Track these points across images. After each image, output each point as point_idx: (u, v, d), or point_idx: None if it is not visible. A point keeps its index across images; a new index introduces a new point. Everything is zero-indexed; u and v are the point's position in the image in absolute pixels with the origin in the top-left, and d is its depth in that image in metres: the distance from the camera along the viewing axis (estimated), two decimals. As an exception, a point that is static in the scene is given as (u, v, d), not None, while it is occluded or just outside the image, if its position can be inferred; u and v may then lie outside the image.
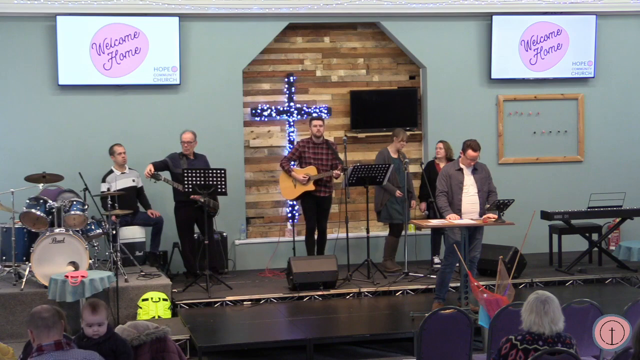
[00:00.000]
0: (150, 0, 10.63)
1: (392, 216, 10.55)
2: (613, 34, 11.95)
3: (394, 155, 10.54)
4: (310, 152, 10.33)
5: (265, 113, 11.34)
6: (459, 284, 9.08)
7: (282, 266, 10.52)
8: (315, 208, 10.40)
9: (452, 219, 8.61)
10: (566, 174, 11.95)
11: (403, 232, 10.64)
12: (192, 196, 9.69)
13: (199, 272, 9.85)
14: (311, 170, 10.28)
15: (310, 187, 10.27)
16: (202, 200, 9.61)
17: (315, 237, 10.51)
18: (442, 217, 8.76)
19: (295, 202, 11.20)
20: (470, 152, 8.68)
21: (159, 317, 8.96)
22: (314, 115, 11.09)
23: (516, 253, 9.79)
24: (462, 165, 8.79)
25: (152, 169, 9.79)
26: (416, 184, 11.25)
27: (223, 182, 9.63)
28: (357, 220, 11.47)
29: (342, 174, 10.28)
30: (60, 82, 10.56)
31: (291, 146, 11.25)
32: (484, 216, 8.79)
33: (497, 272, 7.48)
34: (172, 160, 10.04)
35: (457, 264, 9.07)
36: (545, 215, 10.67)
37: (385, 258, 10.75)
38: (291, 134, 11.40)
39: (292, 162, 10.43)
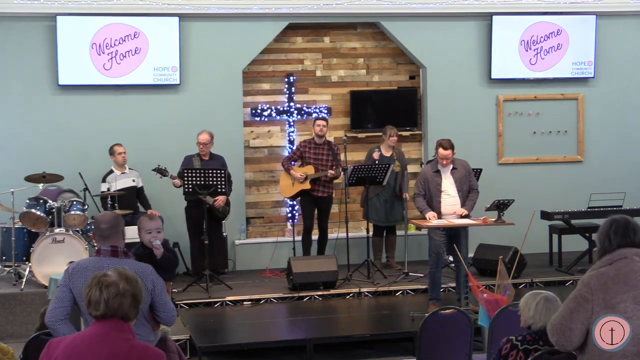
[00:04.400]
0: (150, 0, 10.63)
1: (369, 216, 10.53)
2: (613, 34, 11.95)
3: (387, 154, 10.53)
4: (311, 152, 10.34)
5: (265, 113, 11.34)
6: (454, 284, 9.09)
7: (282, 266, 10.52)
8: (313, 207, 10.41)
9: (430, 218, 8.59)
10: (566, 174, 11.94)
11: (402, 232, 10.65)
12: (214, 199, 9.76)
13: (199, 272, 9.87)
14: (309, 170, 10.29)
15: (307, 185, 10.28)
16: (211, 202, 9.67)
17: (316, 237, 10.52)
18: (423, 217, 8.74)
19: (295, 202, 11.21)
20: (440, 150, 8.62)
21: (159, 317, 8.95)
22: (318, 115, 11.08)
23: (516, 253, 9.79)
24: (439, 167, 8.75)
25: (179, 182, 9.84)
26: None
27: (222, 182, 9.64)
28: (357, 220, 11.47)
29: (339, 174, 10.28)
30: (60, 82, 10.56)
31: (291, 146, 11.26)
32: (483, 217, 8.82)
33: (497, 272, 7.48)
34: (186, 165, 10.01)
35: (445, 265, 9.09)
36: (545, 215, 10.67)
37: (387, 258, 10.82)
38: (291, 134, 11.41)
39: (293, 162, 10.44)
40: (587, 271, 4.30)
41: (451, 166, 8.71)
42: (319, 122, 10.37)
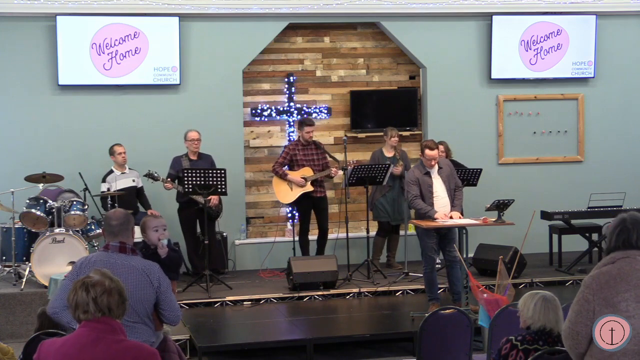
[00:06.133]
0: (150, 0, 10.63)
1: (379, 214, 10.56)
2: (613, 34, 11.95)
3: (389, 154, 10.55)
4: (301, 153, 10.30)
5: (265, 113, 11.34)
6: (447, 285, 9.10)
7: (281, 266, 10.52)
8: (311, 209, 10.39)
9: (443, 217, 8.57)
10: (566, 174, 11.94)
11: (402, 232, 10.66)
12: (209, 197, 9.73)
13: (198, 272, 9.86)
14: (307, 172, 10.27)
15: (309, 188, 10.27)
16: (203, 201, 9.65)
17: (316, 237, 10.51)
18: (429, 218, 8.65)
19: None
20: (427, 152, 8.63)
21: (159, 317, 8.95)
22: (305, 119, 10.91)
23: (516, 253, 9.79)
24: (427, 168, 8.74)
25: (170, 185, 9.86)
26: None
27: (223, 182, 9.64)
28: (357, 220, 11.47)
29: (340, 172, 10.30)
30: (60, 82, 10.56)
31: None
32: (483, 217, 8.84)
33: (497, 272, 7.49)
34: (175, 166, 10.03)
35: (438, 264, 9.15)
36: (545, 215, 10.67)
37: (388, 258, 10.86)
38: (291, 134, 11.39)
39: (287, 167, 10.40)
40: (591, 270, 4.29)
41: (437, 166, 8.74)
42: (307, 128, 10.27)
